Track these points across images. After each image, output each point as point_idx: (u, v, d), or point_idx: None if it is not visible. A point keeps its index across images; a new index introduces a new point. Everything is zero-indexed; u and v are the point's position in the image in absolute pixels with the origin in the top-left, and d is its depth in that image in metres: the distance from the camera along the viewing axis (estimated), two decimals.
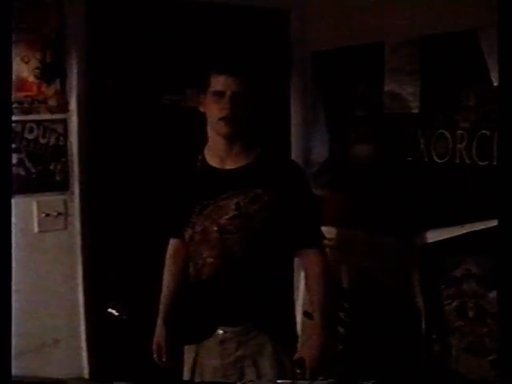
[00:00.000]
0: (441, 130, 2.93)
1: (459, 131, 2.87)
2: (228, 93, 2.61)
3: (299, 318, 3.40)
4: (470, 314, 2.90)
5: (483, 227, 2.76)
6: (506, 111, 1.96)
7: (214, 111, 2.66)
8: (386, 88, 3.14)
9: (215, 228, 2.68)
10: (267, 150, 2.79)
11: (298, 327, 3.35)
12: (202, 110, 2.73)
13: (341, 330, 3.35)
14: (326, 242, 3.14)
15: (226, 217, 2.67)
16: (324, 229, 3.10)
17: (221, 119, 2.64)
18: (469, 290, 2.88)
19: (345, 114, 3.37)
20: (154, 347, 2.88)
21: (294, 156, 3.52)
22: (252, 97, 2.67)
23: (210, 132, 2.75)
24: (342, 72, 3.44)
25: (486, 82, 2.76)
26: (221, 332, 2.73)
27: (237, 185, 2.68)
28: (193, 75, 3.05)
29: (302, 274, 3.29)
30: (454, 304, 2.93)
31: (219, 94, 2.63)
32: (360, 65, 3.32)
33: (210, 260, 2.71)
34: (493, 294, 2.81)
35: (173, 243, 2.92)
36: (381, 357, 3.17)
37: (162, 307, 2.90)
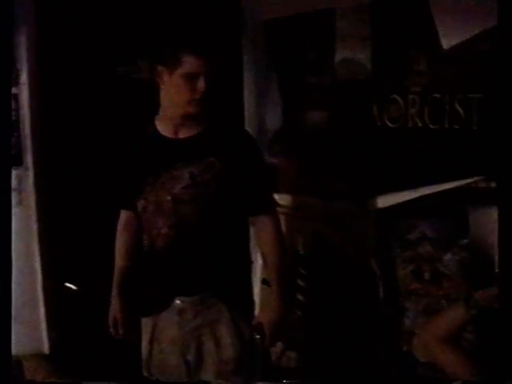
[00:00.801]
0: (393, 95, 2.95)
1: (411, 95, 2.89)
2: (201, 75, 2.58)
3: (258, 285, 3.43)
4: (426, 276, 2.94)
5: (436, 190, 2.81)
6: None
7: (184, 92, 2.61)
8: (338, 54, 3.14)
9: (169, 198, 2.68)
10: (219, 118, 2.78)
11: (257, 295, 3.39)
12: (161, 85, 2.68)
13: (299, 296, 3.37)
14: (281, 209, 3.14)
15: (180, 186, 2.66)
16: (279, 196, 3.11)
17: (191, 100, 2.61)
18: (424, 253, 2.92)
19: (297, 81, 3.37)
20: (110, 320, 2.87)
21: (247, 124, 3.52)
22: (216, 73, 2.64)
23: (165, 103, 2.72)
24: (294, 39, 3.43)
25: (437, 46, 2.78)
26: (178, 302, 2.74)
27: (190, 154, 2.67)
28: (145, 47, 3.03)
29: None
30: (410, 267, 2.97)
31: (191, 76, 2.59)
32: (311, 32, 3.31)
33: (164, 230, 2.70)
34: (447, 256, 2.85)
35: (124, 215, 2.90)
36: (339, 322, 3.20)
37: (115, 280, 2.88)
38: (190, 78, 2.59)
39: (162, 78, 2.65)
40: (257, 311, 3.27)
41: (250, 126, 3.43)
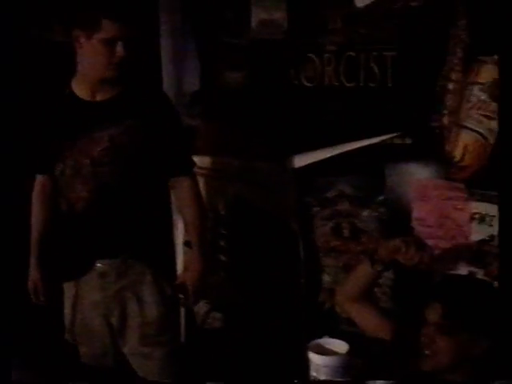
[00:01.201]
0: (309, 54, 2.96)
1: (326, 54, 2.91)
2: (120, 40, 2.55)
3: (181, 247, 3.44)
4: (345, 233, 2.99)
5: (353, 148, 2.84)
6: None
7: (102, 57, 2.58)
8: (254, 14, 3.13)
9: (87, 161, 2.65)
10: (137, 80, 2.76)
11: (181, 256, 3.40)
12: (78, 48, 2.63)
13: (222, 257, 3.39)
14: (201, 171, 3.15)
15: (99, 149, 2.64)
16: (199, 158, 3.10)
17: (109, 64, 2.59)
18: (342, 211, 2.96)
19: (214, 42, 3.35)
20: (30, 287, 2.84)
21: (165, 87, 3.47)
22: (134, 38, 2.62)
23: (82, 66, 2.68)
24: (211, 0, 3.40)
25: (351, 4, 2.80)
26: (99, 265, 2.73)
27: (108, 116, 2.65)
28: (60, 10, 2.97)
29: None
30: (329, 225, 3.01)
31: (110, 41, 2.55)
32: None
33: (83, 193, 2.68)
34: (365, 213, 2.91)
35: (39, 180, 2.86)
36: (262, 281, 3.23)
37: (32, 246, 2.85)
38: (109, 43, 2.56)
39: (79, 42, 2.61)
40: (179, 272, 3.30)
41: (168, 89, 3.39)
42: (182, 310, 3.39)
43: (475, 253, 2.66)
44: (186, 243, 3.41)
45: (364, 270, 2.42)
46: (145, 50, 3.54)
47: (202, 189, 3.02)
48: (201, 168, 3.13)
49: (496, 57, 2.53)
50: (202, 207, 2.85)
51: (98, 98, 2.69)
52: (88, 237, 2.72)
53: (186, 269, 2.95)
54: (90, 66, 2.63)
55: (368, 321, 2.43)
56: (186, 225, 2.91)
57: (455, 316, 2.08)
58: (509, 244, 2.22)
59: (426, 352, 2.11)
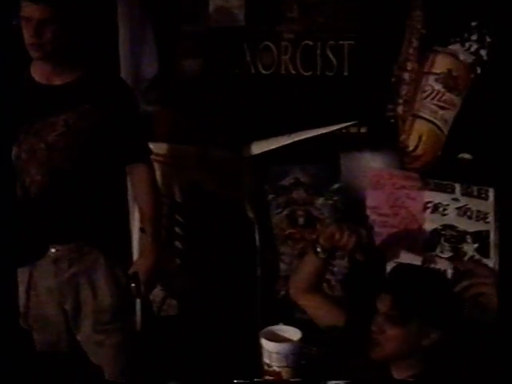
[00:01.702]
0: (266, 42, 2.96)
1: (283, 42, 2.91)
2: (33, 20, 2.55)
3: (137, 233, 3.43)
4: (300, 221, 3.00)
5: (309, 136, 2.85)
6: None
7: (25, 36, 2.59)
8: (212, 2, 3.12)
9: (43, 145, 2.64)
10: (95, 66, 2.77)
11: (137, 243, 3.39)
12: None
13: (177, 244, 3.38)
14: (157, 157, 3.14)
15: (54, 134, 2.64)
16: (155, 145, 3.09)
17: (29, 45, 2.60)
18: (298, 198, 2.98)
19: (172, 29, 3.34)
20: None
21: (122, 73, 3.45)
22: (63, 21, 2.60)
23: None
24: None
25: None
26: (53, 251, 2.73)
27: (65, 101, 2.65)
28: None
29: None
30: (285, 212, 3.02)
31: (26, 20, 2.57)
32: None
33: (37, 177, 2.67)
34: (320, 201, 2.92)
35: None
36: (217, 268, 3.24)
37: None
38: (29, 23, 2.56)
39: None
40: (135, 259, 3.28)
41: (125, 75, 3.37)
42: None
43: (428, 242, 2.69)
44: (142, 230, 3.40)
45: (310, 260, 2.44)
46: (102, 35, 3.53)
47: (158, 176, 3.02)
48: (157, 155, 3.12)
49: (451, 47, 2.55)
50: (156, 195, 2.86)
51: (56, 82, 2.69)
52: (42, 222, 2.70)
53: (138, 257, 2.94)
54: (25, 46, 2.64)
55: (320, 311, 2.44)
56: (140, 212, 2.91)
57: (404, 306, 2.08)
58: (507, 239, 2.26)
59: (376, 340, 2.12)
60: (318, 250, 2.38)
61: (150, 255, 2.79)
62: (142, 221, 2.94)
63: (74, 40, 2.71)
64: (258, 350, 2.19)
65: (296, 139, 2.87)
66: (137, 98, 2.90)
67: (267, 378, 2.15)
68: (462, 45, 2.53)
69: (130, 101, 2.79)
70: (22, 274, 2.79)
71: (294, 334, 2.22)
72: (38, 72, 2.71)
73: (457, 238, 2.62)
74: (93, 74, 2.73)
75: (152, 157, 2.89)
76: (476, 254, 2.58)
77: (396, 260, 2.72)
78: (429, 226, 2.69)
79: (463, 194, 2.59)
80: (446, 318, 2.10)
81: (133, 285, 2.73)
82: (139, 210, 2.91)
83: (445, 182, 2.63)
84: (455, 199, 2.61)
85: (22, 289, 2.79)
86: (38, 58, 2.64)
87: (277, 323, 2.30)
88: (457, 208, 2.61)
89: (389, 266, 2.74)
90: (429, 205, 2.68)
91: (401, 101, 2.70)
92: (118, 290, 2.77)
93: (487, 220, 2.55)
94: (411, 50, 2.65)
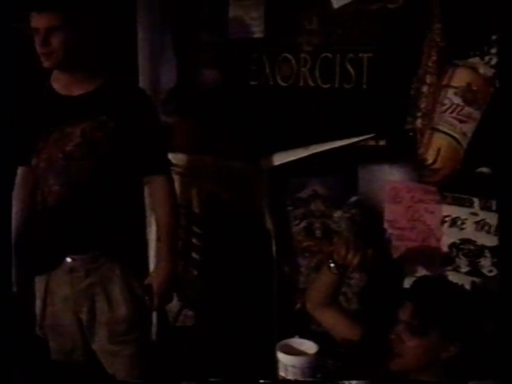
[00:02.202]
0: (285, 54, 2.96)
1: (302, 54, 2.91)
2: (41, 29, 2.58)
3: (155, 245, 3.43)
4: (318, 233, 2.99)
5: (327, 148, 2.85)
6: None
7: (37, 46, 2.63)
8: (231, 13, 3.13)
9: (60, 155, 2.66)
10: (113, 76, 2.78)
11: (153, 255, 3.40)
12: None
13: (194, 255, 3.39)
14: (176, 168, 3.15)
15: (72, 144, 2.65)
16: (174, 156, 3.10)
17: (40, 54, 2.63)
18: (316, 211, 2.97)
19: (191, 39, 3.35)
20: None
21: (141, 83, 3.47)
22: (71, 28, 2.62)
23: None
24: None
25: (327, 5, 2.81)
26: (69, 260, 2.74)
27: (82, 111, 2.66)
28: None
29: None
30: (302, 225, 3.02)
31: (35, 30, 2.60)
32: None
33: (55, 188, 2.69)
34: (337, 214, 2.91)
35: (20, 171, 2.86)
36: (235, 279, 3.23)
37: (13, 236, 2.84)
38: (37, 32, 2.59)
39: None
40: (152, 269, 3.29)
41: (144, 85, 3.39)
42: None
43: (445, 256, 2.67)
44: (159, 240, 3.41)
45: (326, 274, 2.43)
46: (121, 45, 3.55)
47: (176, 186, 3.02)
48: (175, 165, 3.13)
49: (470, 60, 2.54)
50: (174, 206, 2.85)
51: (75, 92, 2.71)
52: (59, 231, 2.72)
53: (156, 268, 2.94)
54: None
55: (336, 324, 2.44)
56: (157, 223, 2.91)
57: (425, 316, 2.09)
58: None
59: (395, 351, 2.12)
60: (331, 265, 2.38)
61: (167, 266, 2.79)
62: (158, 231, 2.93)
63: (86, 48, 2.73)
64: (273, 363, 2.18)
65: (314, 151, 2.87)
66: (156, 109, 2.90)
67: None
68: (482, 58, 2.51)
69: (148, 111, 2.78)
70: (39, 283, 2.82)
71: (310, 347, 2.21)
72: (58, 82, 2.74)
73: (475, 252, 2.60)
74: (111, 85, 2.73)
75: (171, 168, 2.90)
76: (494, 268, 2.56)
77: (414, 274, 2.70)
78: (447, 241, 2.67)
79: (482, 208, 2.57)
80: (466, 332, 2.10)
81: (146, 298, 2.74)
82: (156, 221, 2.91)
83: (463, 196, 2.61)
84: (474, 213, 2.59)
85: (38, 297, 2.82)
86: (49, 66, 2.66)
87: (293, 336, 2.29)
88: (475, 222, 2.59)
89: (406, 280, 2.73)
90: (447, 219, 2.66)
91: (419, 114, 2.68)
92: (133, 302, 2.77)
93: None
94: (430, 63, 2.64)
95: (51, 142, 2.67)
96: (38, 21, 2.58)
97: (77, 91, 2.71)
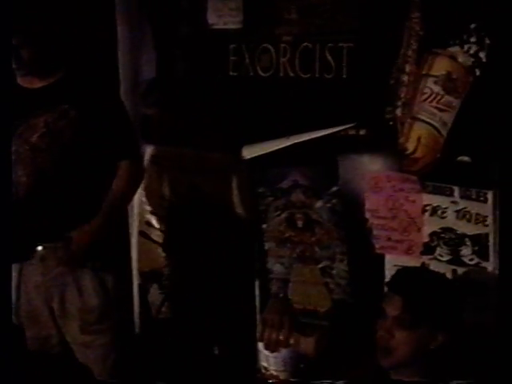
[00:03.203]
0: (264, 44, 2.96)
1: (282, 45, 2.91)
2: (19, 47, 2.63)
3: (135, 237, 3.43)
4: (299, 224, 2.99)
5: (308, 138, 2.84)
6: None
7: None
8: (210, 4, 3.12)
9: (27, 147, 2.70)
10: (74, 67, 2.84)
11: (134, 246, 3.39)
12: None
13: (175, 247, 3.38)
14: (154, 159, 3.14)
15: (36, 135, 2.69)
16: (154, 147, 3.10)
17: (16, 67, 2.69)
18: (296, 201, 2.97)
19: (170, 31, 3.33)
20: None
21: (121, 76, 3.46)
22: (40, 42, 2.69)
23: None
24: None
25: None
26: (40, 249, 2.77)
27: (45, 103, 2.71)
28: None
29: (137, 196, 3.29)
30: (283, 215, 3.01)
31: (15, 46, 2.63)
32: None
33: (23, 179, 2.72)
34: (319, 204, 2.91)
35: None
36: (215, 270, 3.23)
37: None
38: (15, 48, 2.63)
39: None
40: (134, 262, 3.30)
41: (124, 77, 3.39)
42: (136, 300, 3.39)
43: (426, 244, 2.68)
44: (141, 233, 3.40)
45: None
46: (100, 38, 3.54)
47: (155, 177, 3.01)
48: (154, 157, 3.12)
49: (450, 49, 2.54)
50: (131, 185, 2.87)
51: (37, 85, 2.76)
52: (29, 220, 2.72)
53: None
54: None
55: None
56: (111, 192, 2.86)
57: (416, 309, 2.07)
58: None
59: (385, 347, 2.09)
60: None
61: (92, 227, 2.76)
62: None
63: (54, 50, 2.79)
64: (254, 352, 2.18)
65: (294, 141, 2.87)
66: (118, 94, 2.92)
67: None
68: (461, 47, 2.52)
69: (109, 96, 2.84)
70: (14, 271, 2.81)
71: None
72: (26, 78, 2.77)
73: (455, 241, 2.61)
74: (72, 75, 2.78)
75: (147, 158, 2.89)
76: (475, 257, 2.57)
77: (395, 263, 2.70)
78: (427, 229, 2.68)
79: (462, 197, 2.58)
80: (453, 319, 2.11)
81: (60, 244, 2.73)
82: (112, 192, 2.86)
83: (444, 185, 2.61)
84: (454, 202, 2.60)
85: (13, 286, 2.83)
86: (23, 75, 2.73)
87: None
88: (456, 211, 2.60)
89: (388, 269, 2.73)
90: (427, 207, 2.66)
91: (399, 103, 2.68)
92: (104, 291, 2.80)
93: (486, 223, 2.54)
94: (410, 52, 2.64)
95: (18, 135, 2.71)
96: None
97: (39, 83, 2.76)
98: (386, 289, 2.26)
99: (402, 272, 2.33)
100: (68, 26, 2.96)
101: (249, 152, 3.02)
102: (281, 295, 3.07)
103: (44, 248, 2.76)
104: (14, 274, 2.80)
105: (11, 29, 2.53)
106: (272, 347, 2.28)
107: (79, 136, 2.69)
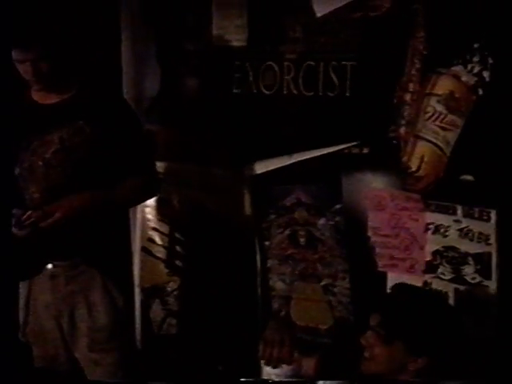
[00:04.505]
0: (268, 62, 2.97)
1: (286, 62, 2.92)
2: (27, 61, 2.60)
3: (138, 253, 3.43)
4: (301, 241, 2.99)
5: (311, 156, 2.85)
6: None
7: (22, 74, 2.65)
8: (215, 21, 3.13)
9: (41, 163, 2.67)
10: (89, 83, 2.80)
11: (137, 263, 3.39)
12: None
13: (178, 263, 3.38)
14: (159, 176, 3.14)
15: (50, 151, 2.66)
16: (158, 163, 3.09)
17: (29, 80, 2.66)
18: (299, 218, 2.97)
19: (175, 47, 3.35)
20: None
21: (125, 91, 3.47)
22: (57, 55, 2.66)
23: None
24: (171, 5, 3.40)
25: (310, 13, 2.82)
26: (50, 267, 2.74)
27: (60, 119, 2.68)
28: None
29: (139, 209, 3.29)
30: (286, 232, 3.02)
31: (20, 62, 2.61)
32: None
33: (36, 195, 2.69)
34: (321, 221, 2.91)
35: None
36: (218, 287, 3.23)
37: None
38: (23, 64, 2.61)
39: None
40: (137, 279, 3.29)
41: (127, 93, 3.39)
42: (138, 315, 3.38)
43: (429, 263, 2.68)
44: (143, 249, 3.40)
45: None
46: (105, 53, 3.55)
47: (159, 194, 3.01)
48: (159, 173, 3.12)
49: (453, 68, 2.56)
50: (137, 195, 2.84)
51: (52, 100, 2.73)
52: (40, 237, 2.69)
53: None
54: None
55: None
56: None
57: (390, 326, 2.09)
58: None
59: (366, 355, 2.14)
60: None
61: (78, 198, 2.67)
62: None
63: (70, 64, 2.78)
64: (258, 371, 2.18)
65: (298, 159, 2.88)
66: (133, 111, 2.89)
67: None
68: (465, 66, 2.53)
69: (124, 114, 2.79)
70: (22, 288, 2.81)
71: None
72: (39, 93, 2.75)
73: (458, 259, 2.61)
74: (87, 91, 2.75)
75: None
76: (477, 275, 2.57)
77: (398, 281, 2.70)
78: (430, 248, 2.68)
79: (465, 216, 2.59)
80: (435, 346, 2.08)
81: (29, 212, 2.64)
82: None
83: (446, 204, 2.62)
84: (457, 221, 2.61)
85: (21, 303, 2.81)
86: (40, 89, 2.70)
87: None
88: (458, 229, 2.61)
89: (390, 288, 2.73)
90: (430, 226, 2.67)
91: (403, 122, 2.69)
92: (114, 310, 2.76)
93: (489, 242, 2.55)
94: (413, 71, 2.65)
95: (32, 151, 2.68)
96: (24, 55, 2.59)
97: (54, 99, 2.73)
98: None
99: (393, 290, 2.38)
100: (79, 41, 2.97)
101: (252, 169, 3.04)
102: (282, 313, 3.07)
103: (54, 266, 2.74)
104: (23, 292, 2.79)
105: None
106: (273, 365, 2.32)
107: (94, 152, 2.67)
